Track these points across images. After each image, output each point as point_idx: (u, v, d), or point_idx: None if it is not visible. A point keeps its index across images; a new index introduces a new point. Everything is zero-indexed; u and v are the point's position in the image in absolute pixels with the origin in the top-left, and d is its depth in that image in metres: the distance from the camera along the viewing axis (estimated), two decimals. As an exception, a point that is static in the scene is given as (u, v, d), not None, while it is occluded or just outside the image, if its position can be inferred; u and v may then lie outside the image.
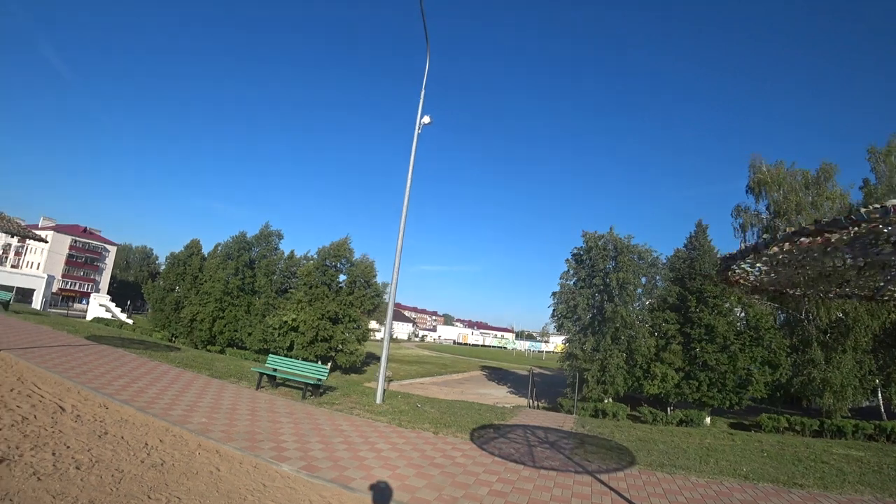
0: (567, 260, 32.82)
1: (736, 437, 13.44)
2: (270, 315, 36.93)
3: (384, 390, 13.24)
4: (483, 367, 56.58)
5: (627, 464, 9.24)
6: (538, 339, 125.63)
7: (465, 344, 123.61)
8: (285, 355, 36.97)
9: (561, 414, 19.17)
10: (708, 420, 21.74)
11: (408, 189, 14.30)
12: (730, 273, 4.20)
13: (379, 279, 37.77)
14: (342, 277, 36.97)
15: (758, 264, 4.18)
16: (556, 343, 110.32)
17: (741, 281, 4.57)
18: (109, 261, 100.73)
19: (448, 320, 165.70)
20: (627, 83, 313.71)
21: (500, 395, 37.05)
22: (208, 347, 37.27)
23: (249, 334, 37.83)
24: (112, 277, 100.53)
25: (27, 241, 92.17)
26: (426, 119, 15.55)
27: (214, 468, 6.63)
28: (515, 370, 57.74)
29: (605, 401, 23.74)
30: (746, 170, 28.47)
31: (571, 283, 32.16)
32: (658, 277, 26.69)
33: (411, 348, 78.59)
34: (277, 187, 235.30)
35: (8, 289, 41.04)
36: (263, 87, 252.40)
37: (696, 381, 22.80)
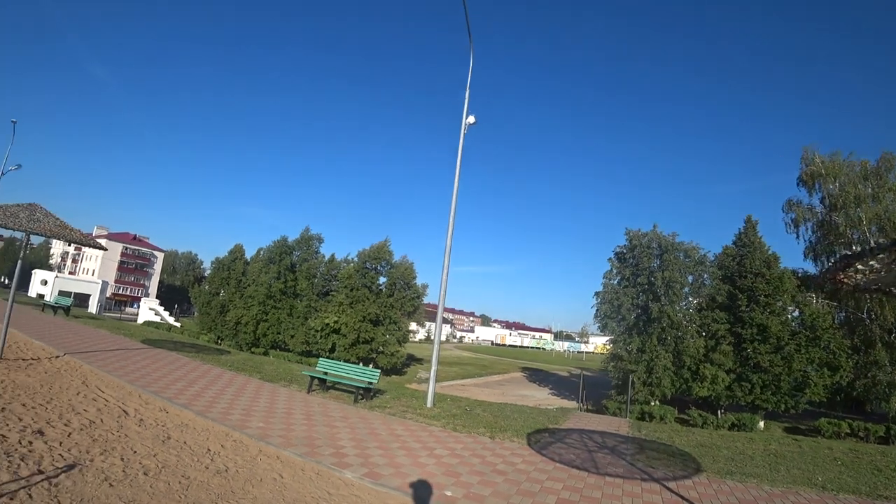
0: (610, 259, 32.08)
1: (802, 443, 12.68)
2: (312, 318, 37.34)
3: (434, 394, 13.05)
4: (523, 369, 55.91)
5: (693, 471, 8.76)
6: (577, 339, 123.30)
7: (503, 345, 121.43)
8: (327, 357, 37.24)
9: (612, 417, 18.61)
10: (762, 424, 20.75)
11: (455, 190, 14.06)
12: (844, 272, 3.80)
13: (418, 281, 37.79)
14: (382, 279, 37.08)
15: (871, 262, 3.77)
16: (597, 343, 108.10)
17: (847, 280, 4.15)
18: (157, 266, 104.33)
19: (485, 321, 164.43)
20: (661, 74, 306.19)
21: (541, 396, 36.51)
22: (252, 349, 37.93)
23: (292, 336, 38.31)
24: (160, 282, 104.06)
25: (83, 249, 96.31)
26: (471, 119, 15.29)
27: (278, 475, 6.52)
28: (556, 371, 56.84)
29: (652, 403, 23.00)
30: (798, 162, 27.26)
31: (615, 282, 31.39)
32: (706, 276, 25.71)
33: (450, 349, 78.34)
34: (316, 193, 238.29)
35: (68, 294, 42.87)
36: (295, 97, 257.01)
37: (748, 384, 21.79)
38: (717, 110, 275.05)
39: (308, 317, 37.98)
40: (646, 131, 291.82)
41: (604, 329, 32.00)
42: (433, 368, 13.14)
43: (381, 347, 36.61)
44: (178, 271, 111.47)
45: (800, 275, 25.38)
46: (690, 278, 25.70)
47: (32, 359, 11.34)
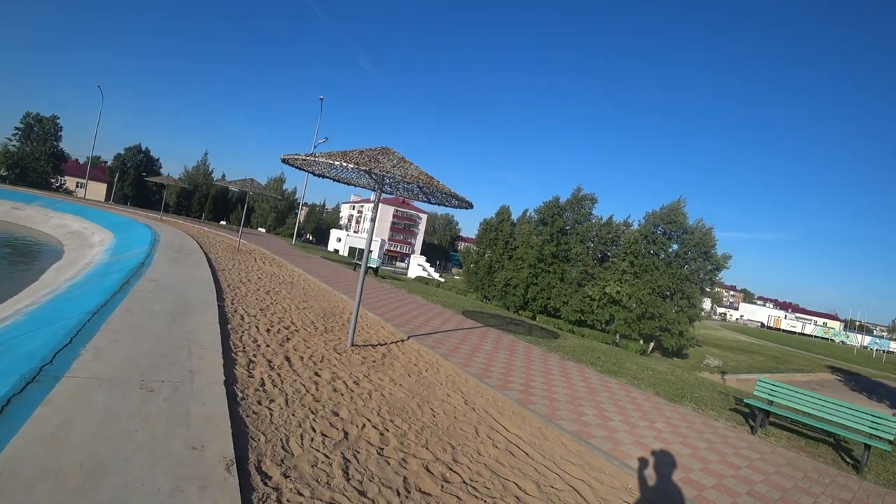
0: None
1: None
2: (589, 285, 32.94)
3: None
4: (830, 368, 42.38)
5: None
6: (882, 334, 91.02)
7: (777, 329, 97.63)
8: (603, 330, 32.71)
9: None
10: None
11: None
12: None
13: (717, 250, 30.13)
14: (674, 246, 30.59)
15: None
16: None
17: None
18: (421, 227, 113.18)
19: (748, 297, 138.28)
20: None
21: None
22: (520, 312, 35.50)
23: (564, 303, 34.48)
24: (422, 241, 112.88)
25: (363, 211, 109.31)
26: None
27: None
28: (880, 379, 40.80)
29: None
30: None
31: None
32: None
33: (717, 329, 65.86)
34: (579, 154, 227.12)
35: (375, 253, 46.44)
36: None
37: None
38: None
39: (583, 283, 33.68)
40: None
41: None
42: None
43: (668, 325, 30.43)
44: (437, 231, 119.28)
45: None
46: None
47: (380, 343, 8.92)
